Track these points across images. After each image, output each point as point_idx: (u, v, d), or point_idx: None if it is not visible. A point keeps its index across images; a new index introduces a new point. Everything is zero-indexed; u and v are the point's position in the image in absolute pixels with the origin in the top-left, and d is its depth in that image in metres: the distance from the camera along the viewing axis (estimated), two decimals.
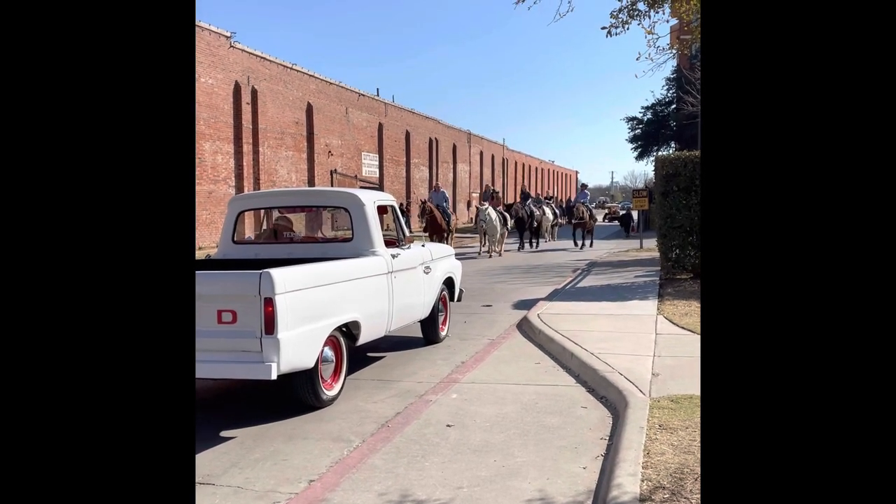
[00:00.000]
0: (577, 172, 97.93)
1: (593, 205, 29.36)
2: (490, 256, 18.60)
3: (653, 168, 19.89)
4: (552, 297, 10.31)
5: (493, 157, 55.23)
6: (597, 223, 24.78)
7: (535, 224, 22.31)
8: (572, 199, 29.60)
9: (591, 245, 22.13)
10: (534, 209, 22.36)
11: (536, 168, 68.96)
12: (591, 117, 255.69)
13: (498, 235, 18.93)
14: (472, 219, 20.12)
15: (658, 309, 8.68)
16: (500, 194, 25.73)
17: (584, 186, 25.52)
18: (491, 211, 18.51)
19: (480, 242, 19.95)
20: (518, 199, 23.27)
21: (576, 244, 21.92)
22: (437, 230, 18.04)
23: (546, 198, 30.00)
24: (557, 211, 25.83)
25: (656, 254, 14.00)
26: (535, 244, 22.41)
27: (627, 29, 8.72)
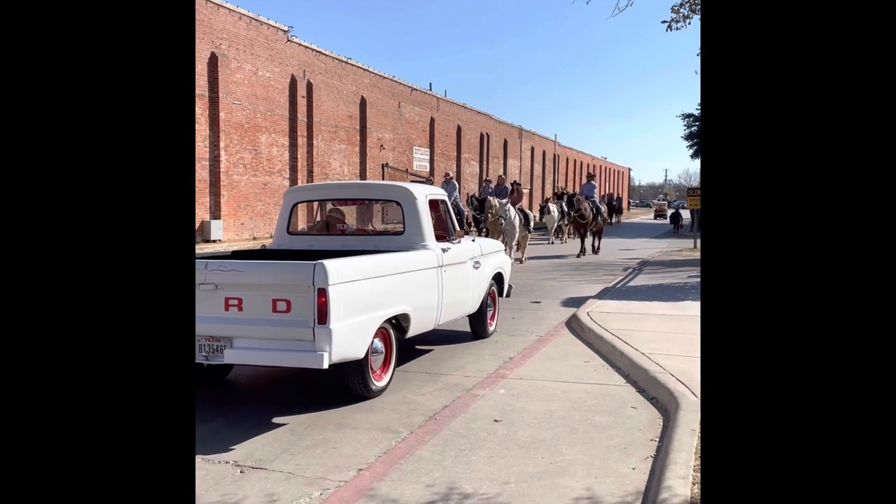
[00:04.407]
0: (629, 170, 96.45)
1: (654, 202, 26.53)
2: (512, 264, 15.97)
3: None
4: (602, 295, 10.20)
5: (543, 152, 54.82)
6: (609, 224, 20.87)
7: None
8: (615, 196, 26.59)
9: (596, 251, 18.84)
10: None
11: (588, 164, 68.16)
12: (646, 114, 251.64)
13: (517, 238, 15.66)
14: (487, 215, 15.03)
15: None
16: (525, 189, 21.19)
17: (590, 178, 21.22)
18: (511, 208, 15.28)
19: None
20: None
21: (582, 251, 18.14)
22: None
23: (557, 195, 26.08)
24: (566, 208, 21.96)
25: None
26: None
27: (689, 23, 8.56)
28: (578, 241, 18.76)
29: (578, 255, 17.91)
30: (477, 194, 21.57)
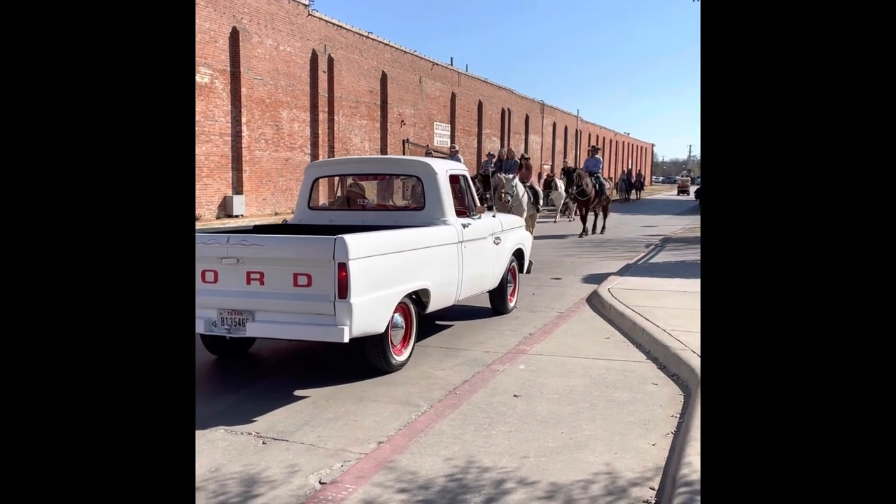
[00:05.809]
0: (653, 145, 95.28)
1: (662, 179, 24.30)
2: None
3: None
4: (623, 271, 10.13)
5: (566, 128, 54.26)
6: (629, 201, 20.20)
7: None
8: (634, 171, 25.13)
9: (597, 231, 17.64)
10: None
11: (611, 140, 67.37)
12: (670, 89, 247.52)
13: (525, 216, 13.54)
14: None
15: None
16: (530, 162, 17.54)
17: (594, 151, 18.92)
18: (519, 185, 13.71)
19: None
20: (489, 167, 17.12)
21: (584, 231, 17.00)
22: None
23: (564, 171, 23.67)
24: (566, 185, 19.51)
25: None
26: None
27: None
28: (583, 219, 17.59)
29: (581, 236, 16.76)
30: (481, 170, 20.37)
